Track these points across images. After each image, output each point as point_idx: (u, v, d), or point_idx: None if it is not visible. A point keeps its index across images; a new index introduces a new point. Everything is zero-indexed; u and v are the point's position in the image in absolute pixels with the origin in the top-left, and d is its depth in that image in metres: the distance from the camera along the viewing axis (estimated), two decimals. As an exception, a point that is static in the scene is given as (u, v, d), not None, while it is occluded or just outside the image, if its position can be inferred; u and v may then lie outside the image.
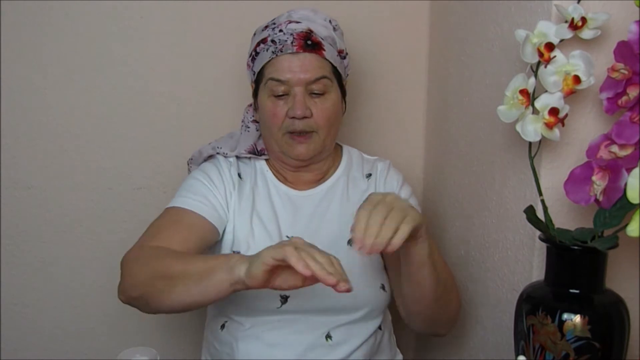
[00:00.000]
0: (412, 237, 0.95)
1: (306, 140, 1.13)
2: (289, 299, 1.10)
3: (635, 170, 0.77)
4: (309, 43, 1.12)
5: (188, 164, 1.29)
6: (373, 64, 1.46)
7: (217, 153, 1.22)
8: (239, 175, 1.19)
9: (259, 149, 1.22)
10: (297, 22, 1.14)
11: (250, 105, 1.24)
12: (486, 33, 1.17)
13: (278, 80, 1.11)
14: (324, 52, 1.13)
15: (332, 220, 1.16)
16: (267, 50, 1.13)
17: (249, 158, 1.22)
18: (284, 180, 1.20)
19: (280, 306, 1.10)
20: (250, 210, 1.15)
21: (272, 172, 1.21)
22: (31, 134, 1.33)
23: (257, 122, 1.21)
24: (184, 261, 1.00)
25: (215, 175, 1.16)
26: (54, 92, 1.33)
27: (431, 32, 1.48)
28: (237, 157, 1.22)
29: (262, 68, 1.14)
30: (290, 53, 1.11)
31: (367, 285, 1.13)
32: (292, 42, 1.11)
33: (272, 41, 1.12)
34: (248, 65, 1.19)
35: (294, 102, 1.11)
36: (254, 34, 1.20)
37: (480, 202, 1.22)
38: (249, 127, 1.23)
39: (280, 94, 1.12)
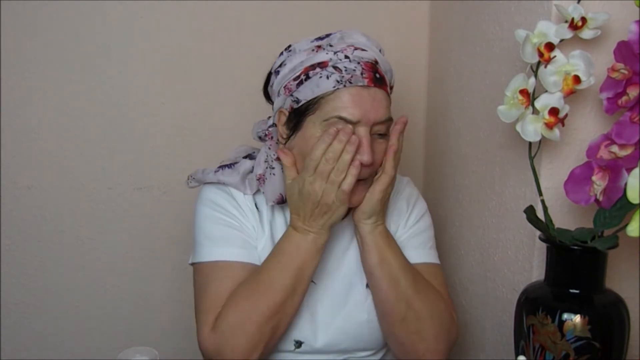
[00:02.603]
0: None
1: (360, 187, 1.00)
2: (302, 345, 1.06)
3: (635, 170, 0.77)
4: (378, 77, 0.98)
5: (188, 178, 1.15)
6: (373, 64, 1.45)
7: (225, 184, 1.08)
8: (256, 206, 1.09)
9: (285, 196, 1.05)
10: (363, 50, 0.99)
11: (271, 137, 1.07)
12: (486, 33, 1.17)
13: (346, 120, 0.96)
14: (387, 87, 1.02)
15: (351, 260, 1.09)
16: (327, 78, 0.96)
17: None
18: None
19: (294, 349, 1.07)
20: (271, 243, 1.06)
21: None
22: (31, 134, 1.33)
23: None
24: (266, 287, 0.98)
25: (236, 210, 1.06)
26: (54, 92, 1.33)
27: (431, 32, 1.48)
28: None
29: (318, 97, 0.98)
30: (360, 86, 0.97)
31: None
32: (361, 73, 0.97)
33: (336, 68, 0.97)
34: (287, 88, 1.01)
35: (360, 145, 0.97)
36: (290, 51, 1.04)
37: (480, 202, 1.22)
38: (273, 168, 1.05)
39: None
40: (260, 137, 1.11)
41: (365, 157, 0.97)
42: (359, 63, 0.98)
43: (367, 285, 1.08)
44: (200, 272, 1.05)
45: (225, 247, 1.04)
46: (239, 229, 1.06)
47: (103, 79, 1.34)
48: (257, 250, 1.06)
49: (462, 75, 1.30)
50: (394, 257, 1.04)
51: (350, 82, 0.96)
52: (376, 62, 1.00)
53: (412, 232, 1.12)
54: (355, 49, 0.99)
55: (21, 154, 1.33)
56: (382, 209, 1.04)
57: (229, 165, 1.10)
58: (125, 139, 1.37)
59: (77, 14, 1.31)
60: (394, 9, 1.46)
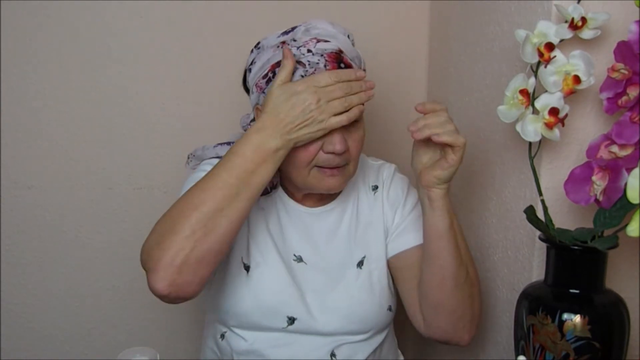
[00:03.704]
0: (435, 197, 1.00)
1: (339, 173, 1.03)
2: (295, 321, 1.06)
3: (635, 170, 0.77)
4: (342, 67, 1.00)
5: (188, 158, 1.18)
6: (373, 64, 1.45)
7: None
8: None
9: (274, 183, 1.09)
10: (326, 41, 1.00)
11: None
12: (486, 33, 1.17)
13: None
14: None
15: (341, 240, 1.12)
16: (292, 74, 0.98)
17: None
18: (292, 195, 1.12)
19: (287, 326, 1.06)
20: (265, 225, 1.09)
21: (281, 187, 1.12)
22: (31, 134, 1.33)
23: None
24: (206, 190, 0.94)
25: None
26: (54, 93, 1.33)
27: (431, 32, 1.48)
28: None
29: None
30: None
31: (376, 308, 1.10)
32: (325, 66, 0.98)
33: (299, 62, 0.98)
34: (258, 86, 1.03)
35: (332, 136, 0.99)
36: (259, 48, 1.06)
37: (480, 202, 1.22)
38: None
39: None
40: (245, 130, 1.12)
41: (337, 146, 0.99)
42: (322, 55, 0.99)
43: (359, 265, 1.10)
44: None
45: None
46: None
47: (103, 79, 1.34)
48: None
49: (462, 75, 1.30)
50: (457, 222, 1.06)
51: None
52: (340, 51, 1.01)
53: (413, 216, 1.14)
54: (318, 41, 1.00)
55: (21, 154, 1.33)
56: None
57: (228, 143, 1.12)
58: (125, 139, 1.37)
59: (77, 14, 1.31)
60: (394, 9, 1.46)
